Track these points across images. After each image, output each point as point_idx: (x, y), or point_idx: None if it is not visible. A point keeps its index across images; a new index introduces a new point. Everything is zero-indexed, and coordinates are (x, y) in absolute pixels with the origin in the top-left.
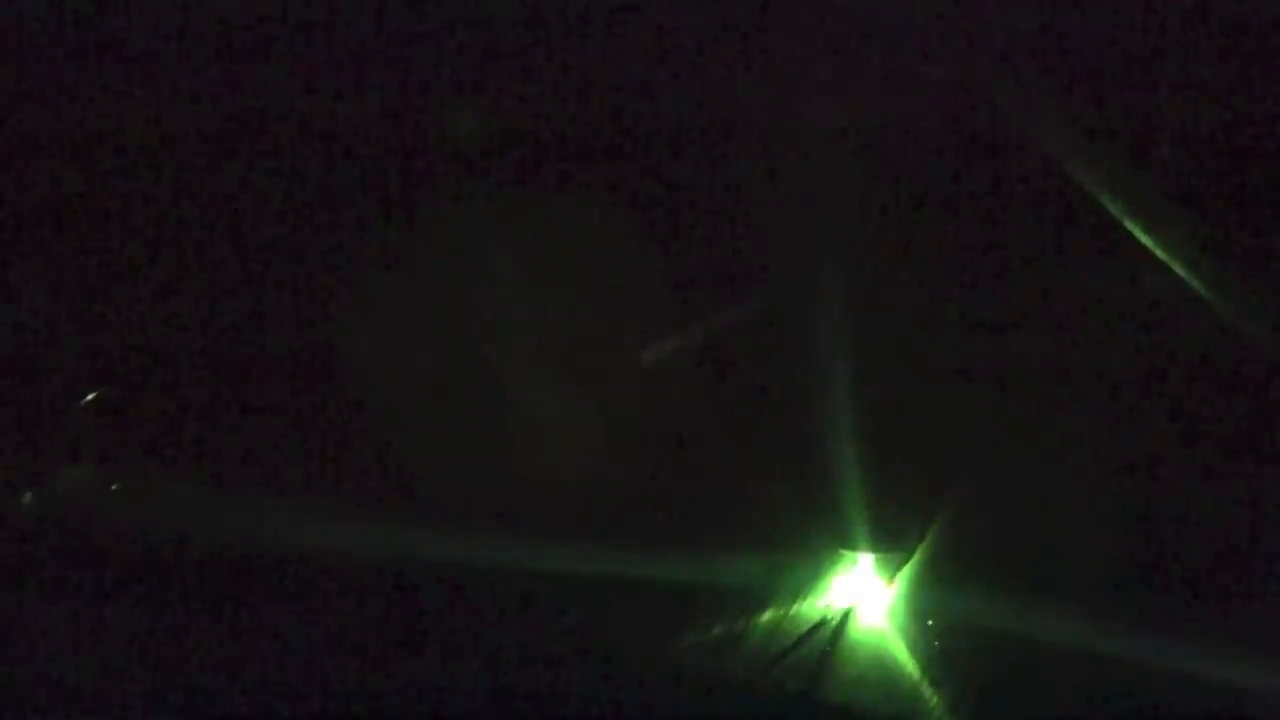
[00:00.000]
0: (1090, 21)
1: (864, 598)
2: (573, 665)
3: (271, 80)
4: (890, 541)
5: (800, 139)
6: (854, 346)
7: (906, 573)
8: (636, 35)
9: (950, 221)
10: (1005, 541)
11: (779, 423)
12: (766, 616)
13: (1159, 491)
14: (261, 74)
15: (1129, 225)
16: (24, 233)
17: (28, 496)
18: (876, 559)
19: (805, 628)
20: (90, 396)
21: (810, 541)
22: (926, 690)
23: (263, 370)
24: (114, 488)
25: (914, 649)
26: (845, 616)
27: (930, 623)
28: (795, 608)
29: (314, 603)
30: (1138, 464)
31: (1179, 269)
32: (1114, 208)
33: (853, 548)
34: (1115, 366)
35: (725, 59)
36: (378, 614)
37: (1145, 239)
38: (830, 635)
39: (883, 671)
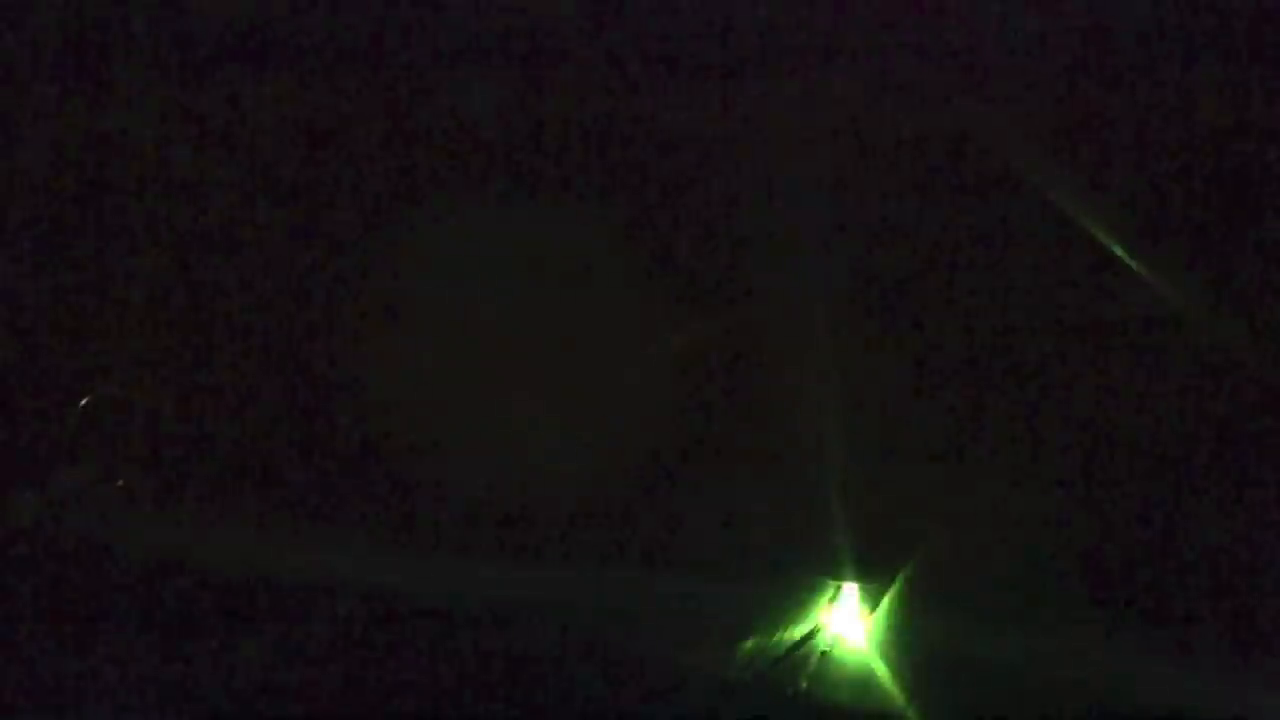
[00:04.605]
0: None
1: (848, 627)
2: (550, 692)
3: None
4: (875, 570)
5: (795, 147)
6: (839, 371)
7: (891, 601)
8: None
9: (940, 242)
10: (991, 570)
11: (762, 448)
12: (748, 646)
13: (1147, 518)
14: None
15: (1117, 242)
16: (24, 232)
17: (28, 496)
18: (861, 588)
19: (788, 657)
20: (90, 396)
21: (793, 570)
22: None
23: (262, 370)
24: (116, 485)
25: (898, 678)
26: (829, 646)
27: (915, 652)
28: (778, 637)
29: (309, 611)
30: (1125, 490)
31: (1165, 287)
32: (1100, 225)
33: (837, 576)
34: (1102, 390)
35: (731, 77)
36: (370, 620)
37: (1131, 255)
38: (813, 665)
39: (866, 701)
